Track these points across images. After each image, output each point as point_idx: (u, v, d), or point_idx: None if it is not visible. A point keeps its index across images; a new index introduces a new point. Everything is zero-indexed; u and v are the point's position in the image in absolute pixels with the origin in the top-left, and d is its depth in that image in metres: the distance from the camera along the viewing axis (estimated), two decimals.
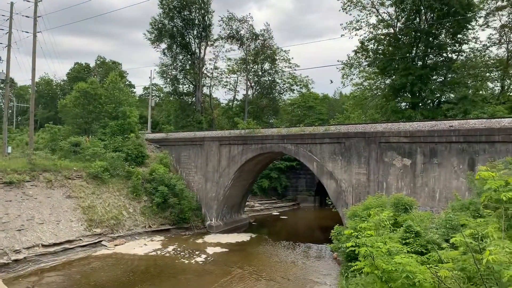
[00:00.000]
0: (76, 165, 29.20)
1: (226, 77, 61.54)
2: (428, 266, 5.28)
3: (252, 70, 58.38)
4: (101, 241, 25.32)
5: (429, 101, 37.12)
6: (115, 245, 25.47)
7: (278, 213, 43.00)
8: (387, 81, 39.98)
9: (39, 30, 29.40)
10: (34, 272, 20.32)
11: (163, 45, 50.89)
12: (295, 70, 60.93)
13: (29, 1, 29.67)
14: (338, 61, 45.89)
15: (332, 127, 27.19)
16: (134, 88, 76.51)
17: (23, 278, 19.45)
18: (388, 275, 5.61)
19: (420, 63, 36.26)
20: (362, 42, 39.13)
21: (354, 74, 42.86)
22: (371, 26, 38.45)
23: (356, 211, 16.44)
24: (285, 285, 19.61)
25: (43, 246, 22.17)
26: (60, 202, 25.54)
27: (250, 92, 58.85)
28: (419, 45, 35.94)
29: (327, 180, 25.60)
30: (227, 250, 26.23)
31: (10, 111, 71.54)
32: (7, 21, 30.56)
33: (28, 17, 30.55)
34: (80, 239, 24.32)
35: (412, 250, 9.27)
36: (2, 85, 67.49)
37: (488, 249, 4.89)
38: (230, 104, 63.51)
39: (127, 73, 72.81)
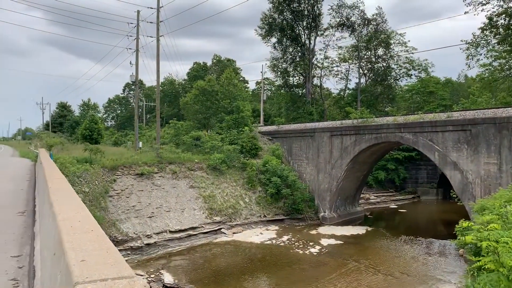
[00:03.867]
0: (197, 157, 31.36)
1: (337, 66, 60.33)
2: None
3: (365, 57, 56.28)
4: (220, 228, 26.87)
5: None
6: (233, 233, 26.82)
7: (396, 206, 40.90)
8: None
9: (161, 34, 32.04)
10: (163, 255, 22.42)
11: (274, 39, 51.79)
12: (412, 53, 57.09)
13: (152, 8, 32.55)
14: (461, 40, 41.79)
15: (455, 113, 24.89)
16: (248, 83, 79.35)
17: (154, 260, 21.59)
18: None
19: None
20: (490, 18, 34.86)
21: (481, 54, 38.68)
22: None
23: (485, 204, 14.77)
24: (405, 281, 18.60)
25: (170, 232, 24.33)
26: (184, 192, 27.70)
27: (362, 80, 56.95)
28: None
29: (451, 171, 23.54)
30: (341, 242, 25.80)
31: (140, 110, 79.80)
32: (134, 28, 33.91)
33: (152, 23, 33.53)
34: (202, 226, 26.11)
35: None
36: (133, 87, 75.48)
37: None
38: (342, 93, 62.12)
39: (241, 70, 75.81)
